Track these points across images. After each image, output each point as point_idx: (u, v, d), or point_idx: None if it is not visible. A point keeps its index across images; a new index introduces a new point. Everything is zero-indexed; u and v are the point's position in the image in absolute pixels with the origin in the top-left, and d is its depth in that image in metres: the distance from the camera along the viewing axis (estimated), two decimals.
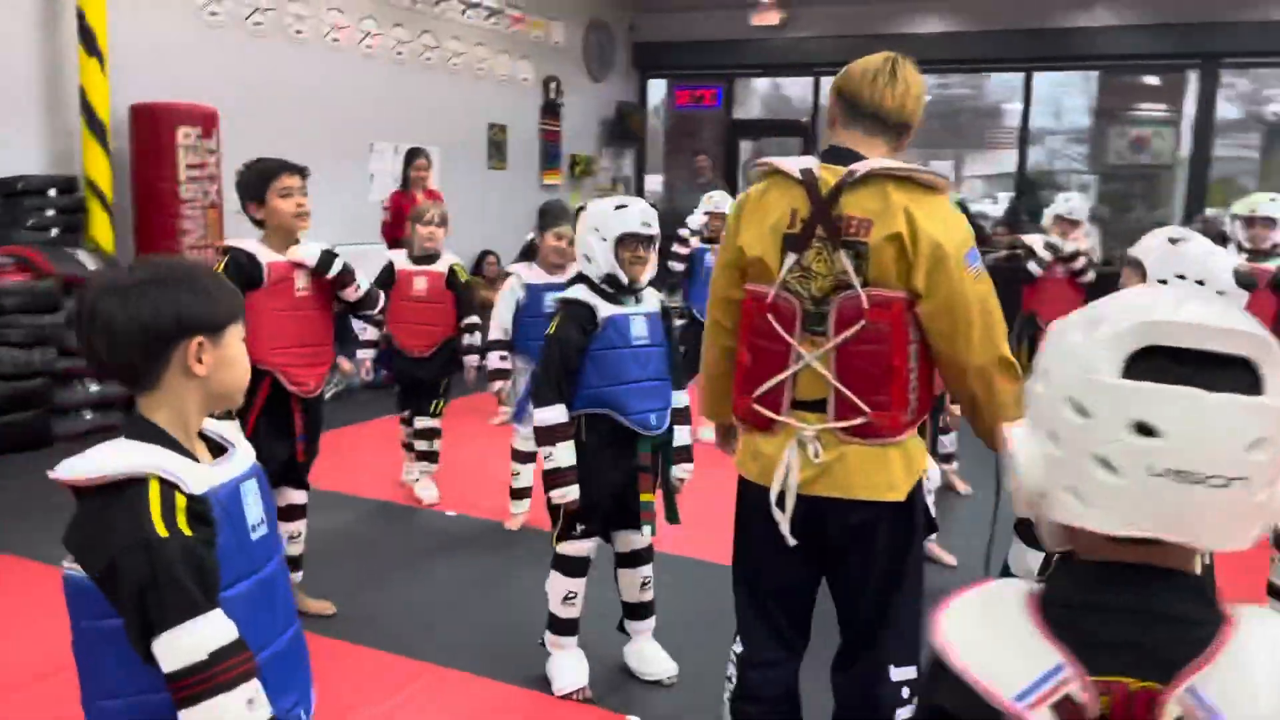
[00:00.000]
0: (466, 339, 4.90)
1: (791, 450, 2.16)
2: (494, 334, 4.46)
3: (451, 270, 4.88)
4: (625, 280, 3.05)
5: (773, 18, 10.95)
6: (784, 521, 2.18)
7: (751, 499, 2.28)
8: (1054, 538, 1.06)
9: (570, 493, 2.98)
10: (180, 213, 6.33)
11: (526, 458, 4.57)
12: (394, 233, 6.65)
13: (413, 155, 7.06)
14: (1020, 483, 1.01)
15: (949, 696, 1.00)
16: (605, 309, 3.03)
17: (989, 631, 1.01)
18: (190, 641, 1.35)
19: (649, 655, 3.29)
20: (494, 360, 4.47)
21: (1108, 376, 0.93)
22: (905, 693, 2.25)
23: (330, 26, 7.93)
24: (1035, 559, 2.35)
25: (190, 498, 1.40)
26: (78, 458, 1.42)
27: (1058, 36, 10.03)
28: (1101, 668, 0.94)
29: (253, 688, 1.40)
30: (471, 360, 4.92)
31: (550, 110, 10.47)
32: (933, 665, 1.04)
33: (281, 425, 3.50)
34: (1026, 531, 2.36)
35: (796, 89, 12.34)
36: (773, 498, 2.18)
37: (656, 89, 12.24)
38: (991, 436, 2.24)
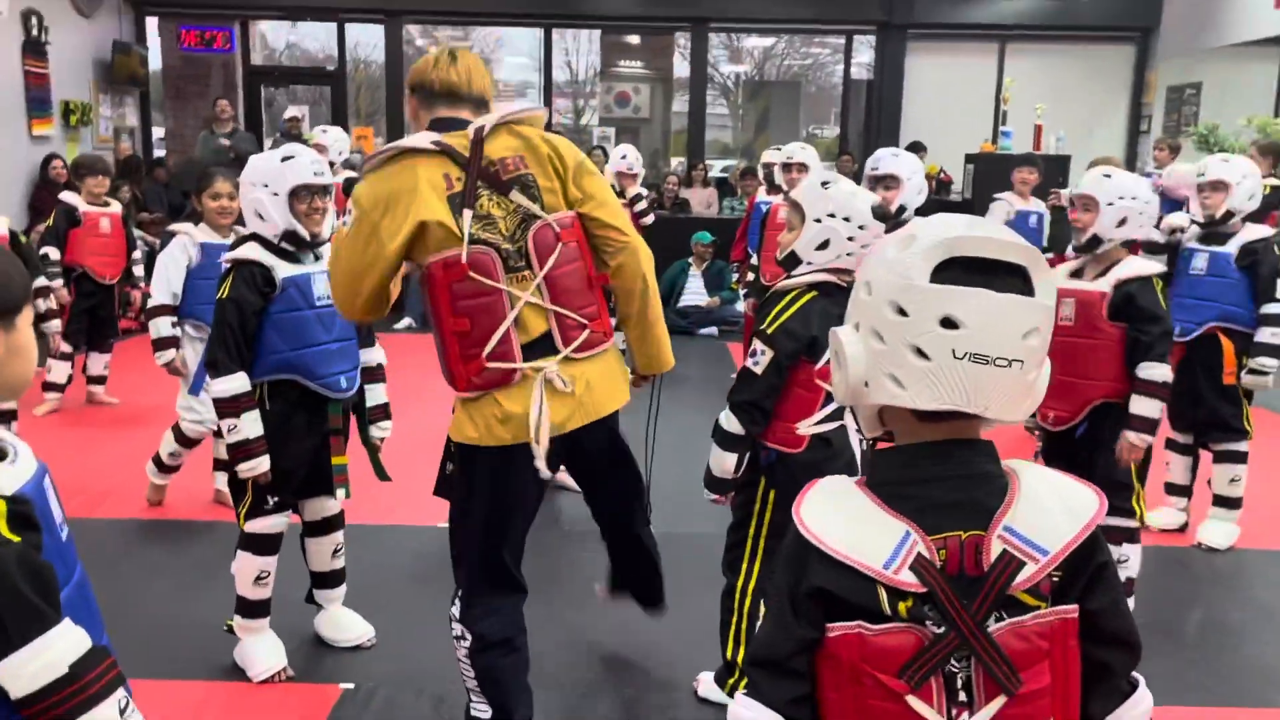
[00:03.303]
0: None
1: (539, 390, 2.26)
2: (160, 298, 3.99)
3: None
4: (306, 235, 2.90)
5: None
6: (540, 457, 2.27)
7: (507, 463, 2.30)
8: (870, 424, 1.29)
9: (260, 464, 2.80)
10: None
11: (193, 442, 4.23)
12: None
13: None
14: (849, 373, 1.21)
15: (826, 577, 1.17)
16: (283, 269, 2.86)
17: (845, 518, 1.20)
18: (47, 658, 1.17)
19: (344, 622, 3.21)
20: (163, 327, 4.00)
21: (921, 281, 1.17)
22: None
23: None
24: (731, 459, 2.67)
25: (8, 499, 1.19)
26: None
27: None
28: (936, 527, 1.17)
29: (122, 695, 1.25)
30: None
31: (34, 49, 9.05)
32: (794, 555, 1.21)
33: None
34: (724, 438, 2.67)
35: (321, 35, 11.86)
36: (532, 435, 2.25)
37: (164, 32, 11.05)
38: (653, 333, 2.51)
